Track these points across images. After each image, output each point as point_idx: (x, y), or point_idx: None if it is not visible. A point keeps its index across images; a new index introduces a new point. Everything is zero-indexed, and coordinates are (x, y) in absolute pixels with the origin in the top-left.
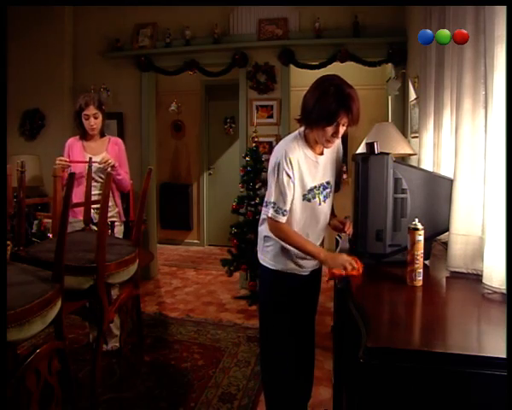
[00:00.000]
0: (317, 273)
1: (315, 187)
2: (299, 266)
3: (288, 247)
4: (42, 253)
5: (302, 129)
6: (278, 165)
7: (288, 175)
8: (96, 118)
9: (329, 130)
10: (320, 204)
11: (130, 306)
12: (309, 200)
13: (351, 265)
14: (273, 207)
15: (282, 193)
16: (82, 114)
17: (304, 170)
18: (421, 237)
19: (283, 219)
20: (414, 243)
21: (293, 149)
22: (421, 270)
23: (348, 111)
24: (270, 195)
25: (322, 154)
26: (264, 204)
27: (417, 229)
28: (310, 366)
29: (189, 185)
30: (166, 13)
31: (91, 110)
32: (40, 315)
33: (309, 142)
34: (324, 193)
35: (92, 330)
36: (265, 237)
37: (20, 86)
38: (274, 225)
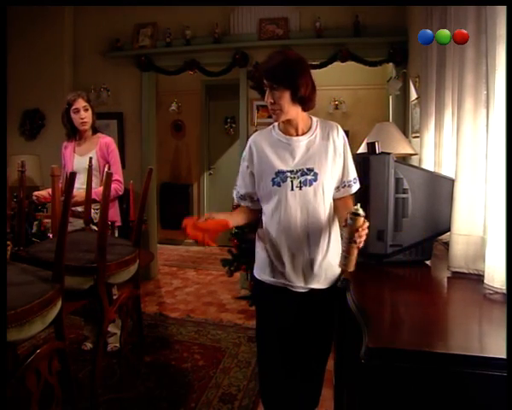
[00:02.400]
0: (324, 296)
1: (290, 171)
2: (287, 278)
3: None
4: (42, 253)
5: None
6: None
7: (244, 159)
8: (86, 110)
9: (266, 99)
10: (293, 189)
11: (131, 306)
12: (278, 184)
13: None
14: (235, 189)
15: (239, 176)
16: (71, 110)
17: (268, 151)
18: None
19: (240, 202)
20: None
21: (258, 134)
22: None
23: (264, 73)
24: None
25: (298, 135)
26: None
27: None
28: (312, 381)
29: (190, 185)
30: (166, 13)
31: (81, 103)
32: (40, 315)
33: (280, 124)
34: (302, 179)
35: (89, 333)
36: (256, 239)
37: (20, 86)
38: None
